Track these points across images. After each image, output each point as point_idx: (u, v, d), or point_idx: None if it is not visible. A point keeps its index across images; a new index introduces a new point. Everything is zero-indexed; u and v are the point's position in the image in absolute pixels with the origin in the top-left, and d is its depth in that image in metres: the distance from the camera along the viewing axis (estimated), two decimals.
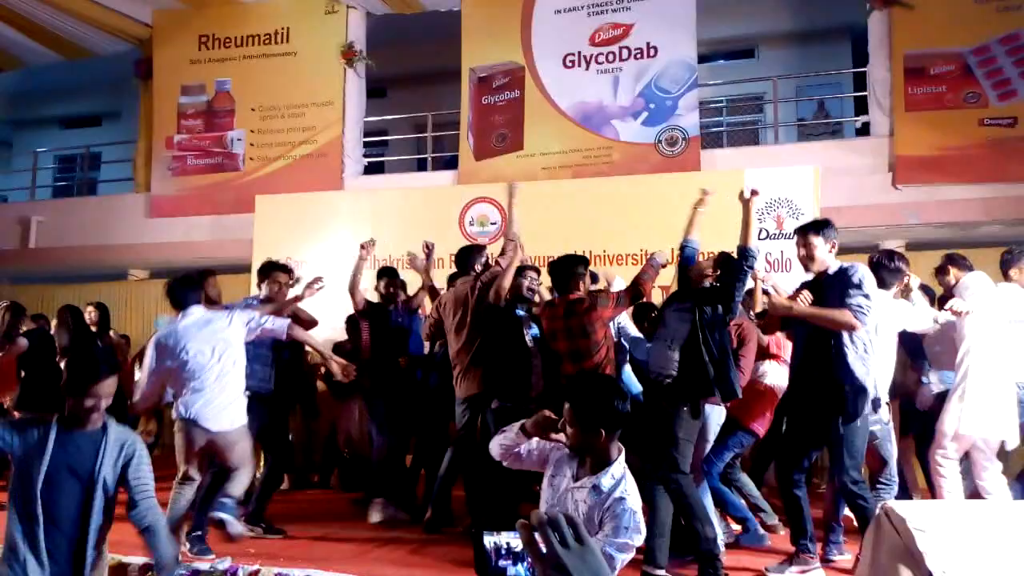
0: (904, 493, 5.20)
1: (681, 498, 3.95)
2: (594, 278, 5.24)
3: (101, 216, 9.88)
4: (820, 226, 3.97)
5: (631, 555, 2.29)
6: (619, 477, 2.40)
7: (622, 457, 2.44)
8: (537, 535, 1.08)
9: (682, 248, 4.37)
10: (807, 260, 3.94)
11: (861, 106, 8.41)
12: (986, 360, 4.34)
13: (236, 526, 3.99)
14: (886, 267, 4.39)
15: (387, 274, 5.68)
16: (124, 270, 9.93)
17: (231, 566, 3.97)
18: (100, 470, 2.70)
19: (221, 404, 3.98)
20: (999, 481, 4.34)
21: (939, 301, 5.05)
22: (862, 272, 3.82)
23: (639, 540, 2.30)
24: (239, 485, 4.08)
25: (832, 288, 3.83)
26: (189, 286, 4.20)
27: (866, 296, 3.73)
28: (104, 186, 12.02)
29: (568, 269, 4.48)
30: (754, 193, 4.09)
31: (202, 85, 9.53)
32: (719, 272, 4.15)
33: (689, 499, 3.96)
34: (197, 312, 4.09)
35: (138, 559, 3.91)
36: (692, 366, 3.97)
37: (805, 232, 3.95)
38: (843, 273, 3.84)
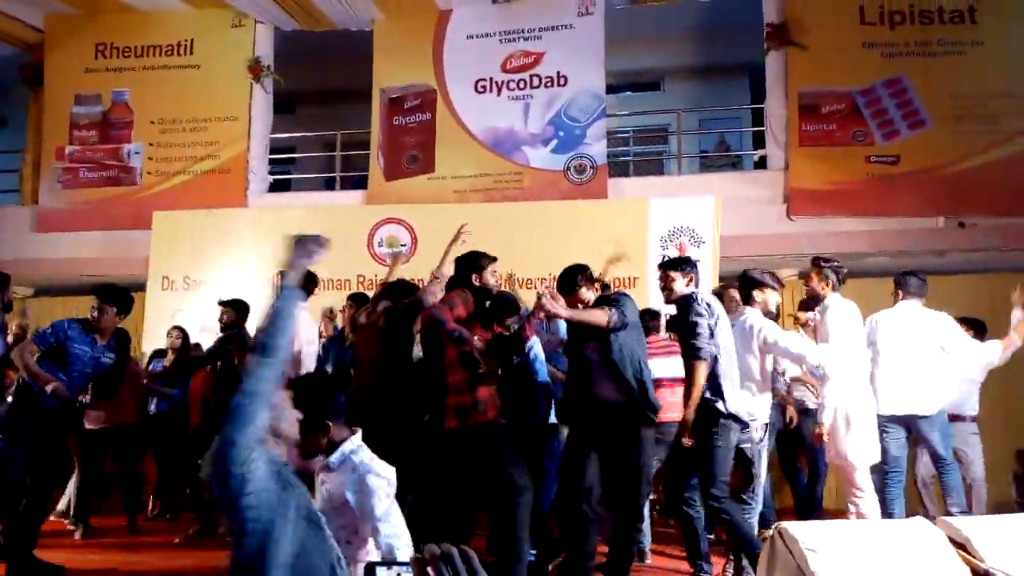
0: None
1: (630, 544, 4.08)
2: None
3: None
4: (679, 263, 4.29)
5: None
6: (348, 452, 2.63)
7: (354, 438, 2.67)
8: (430, 569, 1.05)
9: None
10: (666, 292, 4.24)
11: (759, 140, 8.77)
12: (863, 389, 4.55)
13: None
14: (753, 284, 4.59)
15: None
16: None
17: None
18: None
19: None
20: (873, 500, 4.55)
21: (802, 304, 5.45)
22: (693, 303, 4.07)
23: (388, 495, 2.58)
24: None
25: (681, 312, 4.15)
26: None
27: (696, 325, 3.98)
28: None
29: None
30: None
31: (98, 95, 9.08)
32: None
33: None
34: None
35: None
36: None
37: (666, 268, 4.28)
38: (683, 299, 4.14)
